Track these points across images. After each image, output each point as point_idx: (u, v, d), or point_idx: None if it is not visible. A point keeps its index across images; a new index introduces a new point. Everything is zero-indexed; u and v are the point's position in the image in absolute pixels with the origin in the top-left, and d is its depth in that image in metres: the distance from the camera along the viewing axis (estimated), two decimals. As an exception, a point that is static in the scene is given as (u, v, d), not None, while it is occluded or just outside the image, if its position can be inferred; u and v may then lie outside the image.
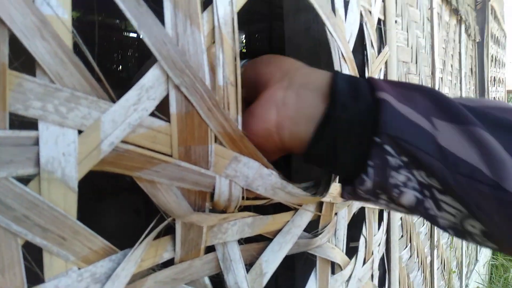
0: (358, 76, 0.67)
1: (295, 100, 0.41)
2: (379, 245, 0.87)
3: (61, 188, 0.32)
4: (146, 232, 0.41)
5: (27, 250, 0.31)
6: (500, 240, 0.34)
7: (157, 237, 0.43)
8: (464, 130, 0.31)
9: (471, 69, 3.16)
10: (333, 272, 0.67)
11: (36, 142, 0.30)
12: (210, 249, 0.49)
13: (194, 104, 0.39)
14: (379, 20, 0.89)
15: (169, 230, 0.44)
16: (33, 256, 0.32)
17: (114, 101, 0.35)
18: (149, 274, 0.42)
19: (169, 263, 0.45)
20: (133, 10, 0.35)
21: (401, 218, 1.25)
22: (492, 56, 4.04)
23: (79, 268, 0.35)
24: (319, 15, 0.59)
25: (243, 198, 0.45)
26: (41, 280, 0.32)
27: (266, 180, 0.45)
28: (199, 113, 0.39)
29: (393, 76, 0.92)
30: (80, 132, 0.33)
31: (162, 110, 0.38)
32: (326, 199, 0.60)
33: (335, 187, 0.60)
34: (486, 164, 0.30)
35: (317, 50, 1.14)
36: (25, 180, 0.30)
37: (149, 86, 0.37)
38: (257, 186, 0.45)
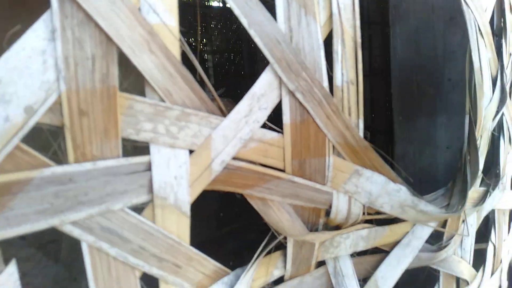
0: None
1: None
2: (508, 251, 0.74)
3: (174, 213, 0.30)
4: (258, 251, 0.37)
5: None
6: None
7: (267, 253, 0.39)
8: None
9: None
10: (457, 287, 0.57)
11: (148, 167, 0.28)
12: (321, 263, 0.45)
13: (311, 112, 0.33)
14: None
15: (279, 246, 0.41)
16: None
17: (224, 115, 0.31)
18: (259, 294, 0.39)
19: (279, 280, 0.42)
20: (243, 6, 0.30)
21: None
22: None
23: (193, 295, 0.33)
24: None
25: (363, 213, 0.39)
26: (158, 310, 0.30)
27: (393, 197, 0.38)
28: (315, 122, 0.33)
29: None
30: (191, 151, 0.30)
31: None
32: (455, 206, 0.50)
33: (469, 193, 0.50)
34: None
35: (430, 18, 0.98)
36: (137, 209, 0.28)
37: (261, 94, 0.32)
38: (382, 204, 0.38)
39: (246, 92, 0.31)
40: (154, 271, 0.29)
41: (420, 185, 1.05)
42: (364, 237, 0.45)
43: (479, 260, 0.65)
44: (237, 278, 0.36)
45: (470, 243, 0.58)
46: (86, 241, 0.25)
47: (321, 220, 0.39)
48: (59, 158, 0.23)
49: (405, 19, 1.00)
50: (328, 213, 0.38)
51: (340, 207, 0.37)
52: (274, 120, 0.34)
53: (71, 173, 0.23)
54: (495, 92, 0.54)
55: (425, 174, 1.01)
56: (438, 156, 0.97)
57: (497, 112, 0.56)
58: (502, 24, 0.61)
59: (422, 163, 1.02)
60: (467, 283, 0.58)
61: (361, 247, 0.46)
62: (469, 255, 0.58)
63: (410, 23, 0.99)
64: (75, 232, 0.24)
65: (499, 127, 0.63)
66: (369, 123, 2.11)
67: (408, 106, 1.02)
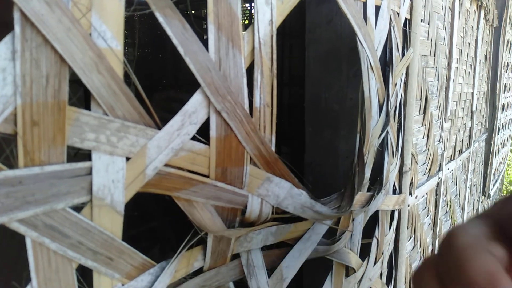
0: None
1: None
2: (389, 244, 0.90)
3: (110, 212, 0.34)
4: (182, 246, 0.43)
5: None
6: None
7: (189, 248, 0.45)
8: None
9: (486, 55, 3.10)
10: (347, 275, 0.69)
11: (89, 172, 0.31)
12: (235, 255, 0.52)
13: (233, 128, 0.40)
14: (405, 20, 0.88)
15: (199, 241, 0.46)
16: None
17: (159, 128, 0.36)
18: (181, 284, 0.44)
19: (198, 271, 0.47)
20: (180, 36, 0.35)
21: (407, 213, 1.27)
22: (507, 41, 3.93)
23: (122, 284, 0.37)
24: (342, 8, 0.57)
25: (272, 213, 0.47)
26: (90, 298, 0.34)
27: (296, 200, 0.46)
28: (237, 137, 0.40)
29: (414, 79, 0.91)
30: (127, 159, 0.34)
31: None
32: (346, 207, 0.62)
33: (357, 196, 0.61)
34: None
35: (338, 44, 1.12)
36: (76, 208, 0.32)
37: (192, 112, 0.37)
38: (287, 205, 0.46)
39: (168, 87, 0.36)
40: (89, 263, 0.33)
41: (324, 187, 1.19)
42: (273, 233, 0.54)
43: (365, 252, 0.79)
44: (162, 269, 0.41)
45: (357, 238, 0.70)
46: (31, 236, 0.28)
47: (238, 218, 0.46)
48: (11, 163, 0.26)
49: (318, 43, 1.13)
50: (243, 212, 0.45)
51: (254, 207, 0.44)
52: (201, 133, 0.40)
53: (21, 177, 0.26)
54: (381, 116, 0.67)
55: (329, 178, 1.15)
56: (339, 164, 1.12)
57: (382, 132, 0.69)
58: (389, 59, 0.76)
59: (326, 169, 1.17)
60: (354, 271, 0.71)
61: (270, 241, 0.54)
62: (357, 247, 0.71)
63: (321, 47, 1.12)
64: (21, 228, 0.27)
65: (385, 143, 0.78)
66: (286, 129, 2.26)
67: (316, 119, 1.15)
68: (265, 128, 0.42)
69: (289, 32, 2.20)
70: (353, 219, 0.67)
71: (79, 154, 0.31)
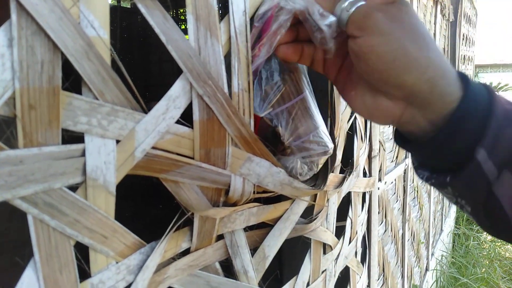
0: None
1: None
2: (362, 224, 0.95)
3: (103, 192, 0.36)
4: (170, 226, 0.45)
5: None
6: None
7: (177, 228, 0.47)
8: None
9: (444, 48, 3.28)
10: (324, 252, 0.74)
11: (83, 154, 0.33)
12: (220, 237, 0.54)
13: (215, 112, 0.42)
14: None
15: (186, 223, 0.49)
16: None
17: (146, 112, 0.38)
18: (170, 263, 0.47)
19: (186, 251, 0.50)
20: (161, 26, 0.38)
21: (378, 196, 1.34)
22: (463, 35, 4.16)
23: (116, 262, 0.39)
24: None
25: (254, 192, 0.50)
26: (88, 275, 0.36)
27: (275, 177, 0.50)
28: (219, 120, 0.43)
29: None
30: (117, 141, 0.36)
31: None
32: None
33: (330, 177, 0.65)
34: None
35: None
36: (71, 188, 0.34)
37: (176, 96, 0.40)
38: (267, 183, 0.49)
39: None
40: (85, 240, 0.35)
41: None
42: (254, 213, 0.57)
43: (340, 233, 0.83)
44: (152, 249, 0.43)
45: (332, 217, 0.75)
46: (32, 213, 0.30)
47: (222, 199, 0.49)
48: (11, 143, 0.28)
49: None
50: (227, 192, 0.48)
51: (236, 186, 0.47)
52: (185, 117, 0.42)
53: (21, 156, 0.28)
54: (349, 101, 0.72)
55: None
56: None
57: (351, 116, 0.74)
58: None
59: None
60: (331, 248, 0.75)
61: (252, 221, 0.57)
62: (332, 226, 0.75)
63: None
64: (23, 205, 0.29)
65: (354, 128, 0.83)
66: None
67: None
68: (244, 111, 0.45)
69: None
70: (327, 199, 0.72)
71: (68, 138, 0.33)
